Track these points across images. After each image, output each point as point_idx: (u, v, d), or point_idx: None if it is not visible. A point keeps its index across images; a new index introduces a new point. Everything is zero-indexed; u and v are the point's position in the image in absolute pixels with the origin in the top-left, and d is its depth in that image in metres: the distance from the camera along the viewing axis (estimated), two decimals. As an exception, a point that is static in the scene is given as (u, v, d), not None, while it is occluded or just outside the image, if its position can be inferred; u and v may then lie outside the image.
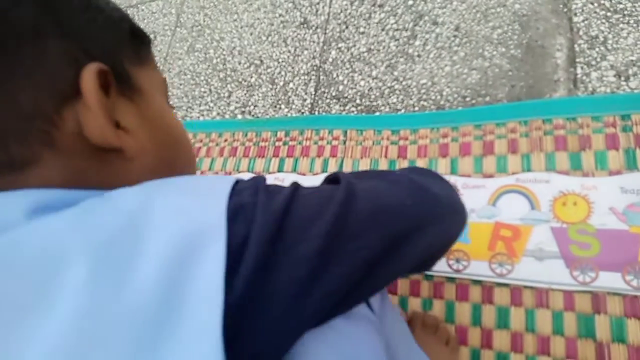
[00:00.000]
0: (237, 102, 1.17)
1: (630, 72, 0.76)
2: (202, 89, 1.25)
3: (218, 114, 1.19)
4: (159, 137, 0.33)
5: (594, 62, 0.80)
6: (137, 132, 0.31)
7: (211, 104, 1.22)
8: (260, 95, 1.15)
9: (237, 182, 0.27)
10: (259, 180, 0.28)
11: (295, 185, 0.29)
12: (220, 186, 0.26)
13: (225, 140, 1.11)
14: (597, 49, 0.81)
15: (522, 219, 0.74)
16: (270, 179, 1.00)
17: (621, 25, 0.80)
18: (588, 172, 0.73)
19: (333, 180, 0.35)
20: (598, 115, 0.75)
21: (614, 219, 0.68)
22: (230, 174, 1.06)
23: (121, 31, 0.32)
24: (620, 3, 0.82)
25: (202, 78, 1.28)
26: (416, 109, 0.94)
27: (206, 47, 1.33)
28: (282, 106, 1.10)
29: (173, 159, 0.35)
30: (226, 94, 1.20)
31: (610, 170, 0.71)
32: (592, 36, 0.82)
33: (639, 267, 0.64)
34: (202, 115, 1.21)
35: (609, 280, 0.65)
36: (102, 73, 0.28)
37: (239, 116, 1.15)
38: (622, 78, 0.77)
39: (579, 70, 0.81)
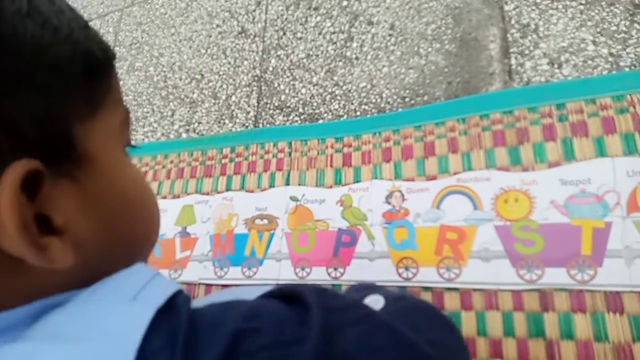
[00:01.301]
0: (180, 121, 1.13)
1: (562, 58, 0.75)
2: (145, 110, 1.21)
3: (162, 134, 1.15)
4: (110, 211, 0.26)
5: (527, 52, 0.79)
6: (76, 222, 0.23)
7: (155, 125, 1.17)
8: (203, 111, 1.11)
9: (154, 324, 0.20)
10: (179, 322, 0.21)
11: (236, 330, 0.22)
12: (128, 330, 0.20)
13: (171, 162, 1.08)
14: (529, 37, 0.79)
15: (466, 220, 0.73)
16: (219, 199, 0.97)
17: (550, 11, 0.79)
18: (528, 167, 0.72)
19: (292, 297, 0.27)
20: (534, 107, 0.74)
21: (556, 213, 0.67)
22: (178, 197, 1.02)
23: (73, 75, 0.23)
24: (548, -12, 0.80)
25: (144, 98, 1.23)
26: (358, 113, 0.91)
27: (146, 65, 1.28)
28: (226, 121, 1.07)
29: (128, 234, 0.27)
30: (169, 113, 1.16)
31: (549, 162, 0.70)
32: (523, 24, 0.81)
33: (583, 261, 0.63)
34: (147, 137, 1.17)
35: (555, 276, 0.64)
36: (30, 176, 0.20)
37: (184, 135, 1.11)
38: (555, 65, 0.75)
39: (513, 61, 0.79)
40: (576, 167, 0.68)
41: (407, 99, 0.87)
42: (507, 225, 0.70)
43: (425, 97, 0.86)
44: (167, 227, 1.00)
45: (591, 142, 0.68)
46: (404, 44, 0.91)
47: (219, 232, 0.93)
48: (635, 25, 0.71)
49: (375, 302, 0.34)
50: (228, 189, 0.97)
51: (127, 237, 0.27)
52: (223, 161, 1.01)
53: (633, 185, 0.64)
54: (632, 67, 0.70)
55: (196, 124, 1.11)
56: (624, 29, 0.72)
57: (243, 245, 0.90)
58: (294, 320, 0.24)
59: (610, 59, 0.72)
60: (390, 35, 0.94)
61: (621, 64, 0.71)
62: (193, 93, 1.15)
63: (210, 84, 1.14)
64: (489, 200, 0.72)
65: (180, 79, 1.19)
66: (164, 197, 1.04)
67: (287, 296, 0.27)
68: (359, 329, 0.27)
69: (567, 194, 0.67)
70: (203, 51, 1.19)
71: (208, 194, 0.99)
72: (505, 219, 0.70)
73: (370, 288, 0.42)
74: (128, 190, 0.27)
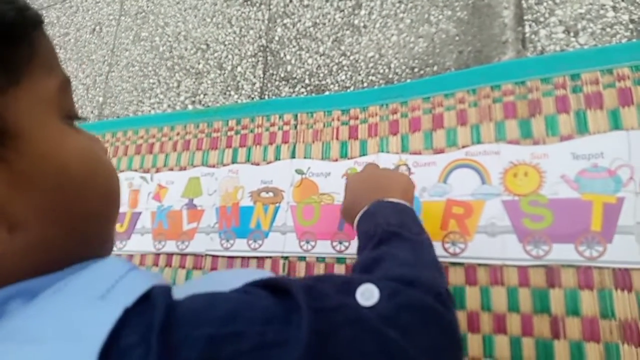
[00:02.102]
0: (186, 92, 1.12)
1: (579, 26, 0.72)
2: (151, 81, 1.20)
3: (169, 105, 1.14)
4: (50, 188, 0.23)
5: (542, 19, 0.75)
6: (8, 203, 0.22)
7: (161, 96, 1.16)
8: (209, 82, 1.10)
9: (124, 319, 0.20)
10: (155, 316, 0.20)
11: (212, 337, 0.21)
12: (91, 330, 0.19)
13: (178, 134, 1.07)
14: (544, 4, 0.75)
15: (473, 194, 0.71)
16: (225, 172, 0.96)
17: (569, -25, 0.75)
18: (539, 140, 0.69)
19: (280, 291, 0.27)
20: (547, 77, 0.71)
21: (566, 187, 0.65)
22: (185, 169, 1.02)
23: None
24: (567, -50, 0.76)
25: (150, 69, 1.22)
26: (365, 84, 0.89)
27: (152, 35, 1.26)
28: (232, 92, 1.05)
29: (79, 211, 0.25)
30: (175, 84, 1.15)
31: (561, 136, 0.68)
32: (539, -10, 0.77)
33: (592, 237, 0.62)
34: (153, 108, 1.16)
35: (563, 252, 0.63)
36: None
37: (190, 106, 1.10)
38: (572, 34, 0.72)
39: (527, 29, 0.76)
40: (589, 141, 0.66)
41: (416, 70, 0.85)
42: (515, 200, 0.68)
43: (435, 68, 0.83)
44: (174, 198, 1.01)
45: (605, 115, 0.66)
46: (414, 11, 0.88)
47: (224, 205, 0.93)
48: (660, -11, 0.67)
49: (368, 294, 0.33)
50: (234, 161, 0.97)
51: (79, 215, 0.25)
52: (229, 133, 1.00)
53: (648, 159, 0.61)
54: (654, 35, 0.66)
55: (202, 96, 1.09)
56: (647, -7, 0.68)
57: (248, 218, 0.90)
58: (280, 319, 0.23)
59: (631, 26, 0.68)
60: (399, 2, 0.90)
61: (642, 31, 0.67)
62: (199, 64, 1.13)
63: (216, 54, 1.12)
64: (498, 175, 0.70)
65: (186, 49, 1.17)
66: (171, 169, 1.05)
67: (274, 288, 0.27)
68: (348, 333, 0.27)
69: (578, 168, 0.65)
70: (208, 20, 1.17)
71: (214, 166, 0.98)
72: (514, 193, 0.69)
73: (370, 268, 0.41)
74: (70, 164, 0.25)
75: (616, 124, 0.65)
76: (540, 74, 0.72)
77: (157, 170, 1.06)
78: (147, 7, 1.31)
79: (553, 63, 0.71)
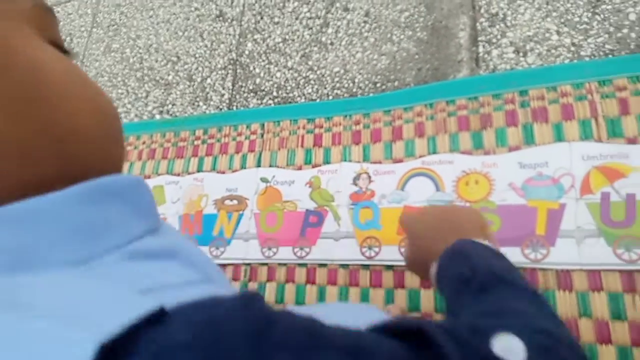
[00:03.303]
0: (154, 102, 1.13)
1: (527, 47, 0.77)
2: (120, 91, 1.20)
3: (136, 115, 1.14)
4: (24, 103, 0.20)
5: (494, 40, 0.81)
6: None
7: (129, 106, 1.17)
8: (178, 93, 1.11)
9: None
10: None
11: None
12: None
13: (144, 143, 1.07)
14: (497, 27, 0.81)
15: (428, 201, 0.74)
16: (189, 180, 0.97)
17: (519, 2, 0.81)
18: (489, 150, 0.73)
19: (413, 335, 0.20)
20: (498, 93, 0.76)
21: (513, 194, 0.69)
22: (149, 177, 1.02)
23: None
24: (516, -20, 0.82)
25: (119, 79, 1.22)
26: (330, 97, 0.92)
27: (123, 47, 1.27)
28: (200, 103, 1.07)
29: (61, 120, 0.21)
30: (144, 94, 1.16)
31: (510, 147, 0.72)
32: (492, 13, 0.83)
33: (537, 240, 0.65)
34: (120, 118, 1.16)
35: (510, 255, 0.65)
36: None
37: (157, 116, 1.11)
38: (521, 54, 0.77)
39: (480, 49, 0.81)
40: (535, 151, 0.70)
41: (378, 84, 0.89)
42: (467, 206, 0.71)
43: (396, 83, 0.87)
44: (137, 206, 1.00)
45: (550, 128, 0.70)
46: (378, 31, 0.93)
47: (188, 213, 0.93)
48: (596, 17, 0.74)
49: (507, 347, 0.25)
50: (199, 170, 0.98)
51: (66, 129, 0.22)
52: (195, 142, 1.01)
53: (587, 168, 0.66)
54: (592, 57, 0.72)
55: (170, 106, 1.10)
56: (586, 20, 0.74)
57: (211, 226, 0.90)
58: None
59: (572, 48, 0.74)
60: (365, 21, 0.95)
61: (582, 53, 0.73)
62: (168, 75, 1.15)
63: (186, 66, 1.14)
64: (451, 182, 0.74)
65: (156, 61, 1.19)
66: (135, 177, 1.04)
67: (406, 333, 0.21)
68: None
69: (525, 176, 0.69)
70: (180, 34, 1.19)
71: (179, 174, 0.99)
72: (466, 200, 0.72)
73: (498, 316, 0.30)
74: (53, 75, 0.22)
75: (559, 136, 0.69)
76: (492, 90, 0.77)
77: (121, 178, 1.06)
78: (120, 20, 1.33)
79: (503, 80, 0.77)
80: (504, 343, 0.24)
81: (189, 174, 0.98)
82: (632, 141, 0.65)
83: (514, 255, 0.66)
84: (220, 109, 1.04)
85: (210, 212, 0.92)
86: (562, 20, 0.76)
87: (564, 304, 0.62)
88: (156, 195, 0.99)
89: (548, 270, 0.64)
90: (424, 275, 0.43)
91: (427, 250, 0.43)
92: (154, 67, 1.18)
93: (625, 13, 0.72)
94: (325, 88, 0.93)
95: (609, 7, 0.73)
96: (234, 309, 0.18)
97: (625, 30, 0.71)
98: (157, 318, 0.16)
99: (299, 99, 0.95)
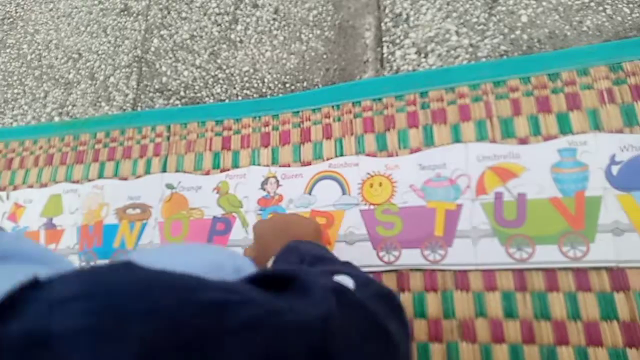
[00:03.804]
0: (54, 103, 1.04)
1: (428, 48, 0.78)
2: (16, 91, 1.10)
3: (33, 117, 1.05)
4: None
5: (398, 41, 0.80)
6: None
7: (25, 107, 1.07)
8: (79, 93, 1.03)
9: None
10: None
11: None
12: None
13: (41, 148, 0.98)
14: (400, 27, 0.81)
15: (335, 205, 0.73)
16: (89, 188, 0.90)
17: (421, 2, 0.81)
18: (392, 152, 0.73)
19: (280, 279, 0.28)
20: (400, 95, 0.76)
21: (414, 196, 0.69)
22: (46, 185, 0.94)
23: None
24: (419, -20, 0.82)
25: (15, 78, 1.12)
26: (240, 98, 0.89)
27: (19, 42, 1.16)
28: (103, 103, 1.00)
29: None
30: (42, 94, 1.06)
31: (411, 148, 0.72)
32: (396, 14, 0.82)
33: (435, 241, 0.66)
34: (16, 120, 1.06)
35: (410, 257, 0.66)
36: None
37: (56, 118, 1.02)
38: (422, 55, 0.78)
39: (385, 50, 0.81)
40: (434, 153, 0.70)
41: (287, 85, 0.86)
42: (371, 209, 0.71)
43: (305, 83, 0.85)
44: (32, 218, 0.92)
45: (449, 129, 0.71)
46: (287, 29, 0.90)
47: (87, 223, 0.87)
48: (493, 17, 0.75)
49: (346, 283, 0.35)
50: (100, 176, 0.91)
51: None
52: (96, 146, 0.94)
53: (482, 169, 0.67)
54: (488, 58, 0.73)
55: (70, 107, 1.02)
56: (483, 21, 0.76)
57: (112, 237, 0.84)
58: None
59: (470, 49, 0.75)
60: (274, 19, 0.92)
61: (479, 54, 0.74)
62: (69, 73, 1.06)
63: (88, 64, 1.05)
64: (357, 185, 0.73)
65: (56, 58, 1.09)
66: (31, 186, 0.95)
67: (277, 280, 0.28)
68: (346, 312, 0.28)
69: (424, 177, 0.70)
70: (82, 29, 1.10)
71: (78, 182, 0.91)
72: (370, 202, 0.71)
73: (328, 262, 0.46)
74: None
75: (457, 137, 0.70)
76: (395, 91, 0.76)
77: (15, 188, 0.97)
78: (16, 12, 1.21)
79: (405, 82, 0.77)
80: (340, 279, 0.35)
81: (89, 180, 0.91)
82: (523, 141, 0.67)
83: (414, 257, 0.66)
84: (124, 110, 0.97)
85: (111, 222, 0.86)
86: (461, 20, 0.77)
87: (462, 305, 0.63)
88: (53, 205, 0.91)
89: (446, 272, 0.64)
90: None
91: (268, 248, 0.55)
92: (53, 65, 1.09)
93: (518, 15, 0.74)
94: (235, 88, 0.90)
95: (504, 8, 0.75)
96: (117, 267, 0.21)
97: (518, 32, 0.73)
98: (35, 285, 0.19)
99: (207, 99, 0.91)
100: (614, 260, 0.58)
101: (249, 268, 0.44)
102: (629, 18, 0.68)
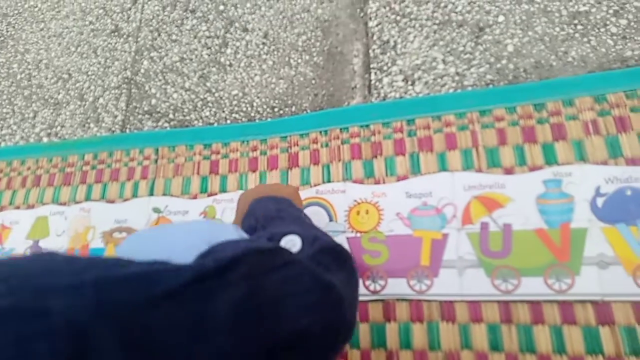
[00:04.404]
0: (42, 123, 1.04)
1: (415, 76, 0.78)
2: (5, 110, 1.09)
3: (22, 137, 1.04)
4: None
5: (385, 67, 0.81)
6: None
7: (14, 127, 1.06)
8: (68, 113, 1.03)
9: None
10: None
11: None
12: None
13: (28, 169, 0.98)
14: (388, 54, 0.82)
15: (322, 232, 0.73)
16: (76, 210, 0.89)
17: (408, 29, 0.82)
18: (379, 179, 0.73)
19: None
20: (388, 122, 0.76)
21: (400, 224, 0.69)
22: (33, 207, 0.93)
23: None
24: (408, 7, 0.83)
25: (4, 97, 1.11)
26: (228, 121, 0.89)
27: (9, 61, 1.16)
28: (92, 125, 0.99)
29: None
30: (31, 115, 1.06)
31: (398, 176, 0.72)
32: (384, 41, 0.83)
33: (421, 271, 0.65)
34: (4, 140, 1.06)
35: (396, 287, 0.66)
36: None
37: (45, 139, 1.02)
38: (409, 82, 0.78)
39: (372, 76, 0.81)
40: (420, 181, 0.70)
41: (276, 109, 0.86)
42: (357, 237, 0.70)
43: (293, 108, 0.85)
44: (18, 240, 0.91)
45: (435, 157, 0.71)
46: (276, 54, 0.90)
47: (72, 247, 0.86)
48: (479, 46, 0.76)
49: (292, 244, 0.39)
50: (87, 198, 0.90)
51: None
52: (84, 168, 0.94)
53: (468, 198, 0.67)
54: (474, 87, 0.74)
55: (59, 127, 1.02)
56: (470, 49, 0.76)
57: (98, 260, 0.83)
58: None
59: (457, 77, 0.75)
60: (263, 43, 0.92)
61: (465, 83, 0.75)
62: (58, 94, 1.06)
63: (78, 85, 1.05)
64: (344, 212, 0.73)
65: (46, 78, 1.09)
66: (17, 208, 0.95)
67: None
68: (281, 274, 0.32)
69: (411, 206, 0.69)
70: (73, 49, 1.10)
71: (65, 204, 0.91)
72: (357, 230, 0.71)
73: (278, 222, 0.49)
74: None
75: (443, 165, 0.70)
76: (382, 118, 0.77)
77: (1, 209, 0.96)
78: (7, 32, 1.22)
79: (392, 109, 0.77)
80: (287, 241, 0.40)
81: (76, 203, 0.90)
82: (509, 171, 0.67)
83: (400, 286, 0.65)
84: (113, 131, 0.97)
85: (97, 247, 0.85)
86: (448, 49, 0.78)
87: (447, 336, 0.62)
88: (40, 227, 0.90)
89: (432, 302, 0.64)
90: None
91: (243, 210, 0.59)
92: (43, 85, 1.09)
93: (504, 44, 0.75)
94: (224, 111, 0.90)
95: (490, 37, 0.76)
96: (39, 255, 0.23)
97: (504, 61, 0.74)
98: None
99: (196, 122, 0.91)
100: (599, 294, 0.58)
101: (222, 233, 0.43)
102: (612, 50, 0.69)
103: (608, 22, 0.71)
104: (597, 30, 0.71)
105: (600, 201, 0.61)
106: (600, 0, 0.72)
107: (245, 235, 0.45)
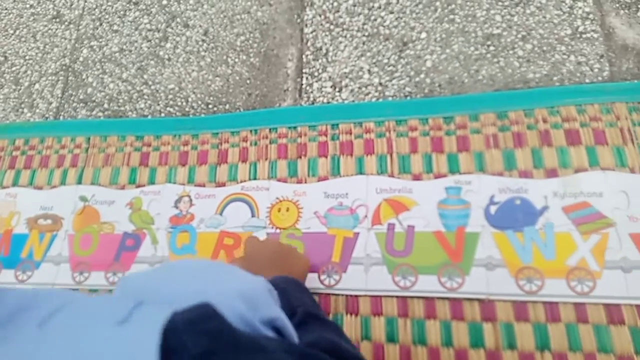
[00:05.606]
0: (-28, 105, 1.01)
1: (343, 83, 0.83)
2: None
3: (-50, 118, 1.02)
4: None
5: (316, 73, 0.85)
6: None
7: (-58, 107, 1.03)
8: (1, 97, 1.01)
9: None
10: None
11: None
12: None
13: (-46, 151, 0.96)
14: (320, 61, 0.86)
15: (244, 227, 0.76)
16: (1, 195, 0.88)
17: (340, 39, 0.86)
18: (302, 179, 0.77)
19: None
20: (314, 125, 0.80)
21: (317, 222, 0.73)
22: (-44, 190, 0.91)
23: None
24: (341, 17, 0.88)
25: None
26: (163, 115, 0.90)
27: (-58, 38, 1.13)
28: (25, 110, 0.98)
29: None
30: (-39, 95, 1.03)
31: (319, 177, 0.76)
32: (317, 48, 0.87)
33: (332, 267, 0.70)
34: None
35: (308, 281, 0.70)
36: None
37: (-26, 122, 1.00)
38: (337, 89, 0.82)
39: (304, 81, 0.85)
40: (339, 182, 0.75)
41: (210, 106, 0.89)
42: (277, 233, 0.74)
43: (227, 106, 0.88)
44: (-63, 224, 0.89)
45: (354, 161, 0.76)
46: (215, 51, 0.93)
47: (-6, 231, 0.85)
48: (401, 60, 0.81)
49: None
50: (15, 184, 0.89)
51: None
52: (14, 153, 0.93)
53: (379, 201, 0.72)
54: (394, 97, 0.79)
55: (-10, 111, 1.00)
56: (393, 62, 0.81)
57: (20, 247, 0.83)
58: None
59: (379, 88, 0.80)
60: (203, 40, 0.94)
61: (387, 93, 0.80)
62: (-8, 76, 1.04)
63: (14, 69, 1.04)
64: (265, 209, 0.76)
65: (-20, 59, 1.07)
66: (-61, 191, 0.92)
67: None
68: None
69: (328, 205, 0.74)
70: (11, 31, 1.08)
71: (-10, 188, 0.90)
72: (277, 226, 0.75)
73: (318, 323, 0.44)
74: None
75: (361, 169, 0.75)
76: (309, 121, 0.80)
77: None
78: (-58, 7, 1.17)
79: (320, 113, 0.81)
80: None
81: (3, 188, 0.89)
82: (417, 177, 0.72)
83: (312, 281, 0.69)
84: (46, 118, 0.96)
85: (21, 232, 0.84)
86: (374, 60, 0.82)
87: (350, 328, 0.67)
88: (-38, 211, 0.89)
89: (339, 296, 0.68)
90: None
91: (258, 270, 0.50)
92: (-24, 66, 1.06)
93: (424, 60, 0.80)
94: (159, 104, 0.91)
95: (412, 52, 0.81)
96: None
97: (422, 75, 0.79)
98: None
99: (130, 113, 0.92)
100: (485, 293, 0.64)
101: (261, 296, 0.40)
102: (517, 71, 0.76)
103: (516, 46, 0.78)
104: (506, 52, 0.78)
105: (493, 209, 0.68)
106: (511, 25, 0.79)
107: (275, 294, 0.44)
